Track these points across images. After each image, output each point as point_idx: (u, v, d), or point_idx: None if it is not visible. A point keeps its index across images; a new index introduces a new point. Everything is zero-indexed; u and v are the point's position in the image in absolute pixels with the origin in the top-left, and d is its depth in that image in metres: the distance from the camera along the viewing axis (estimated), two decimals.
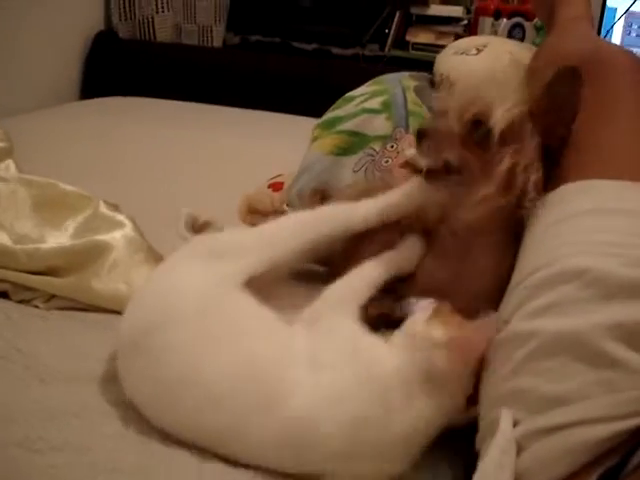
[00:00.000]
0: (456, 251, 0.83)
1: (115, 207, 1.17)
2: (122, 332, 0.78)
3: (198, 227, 1.16)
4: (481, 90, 0.84)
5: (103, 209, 1.10)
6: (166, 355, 0.72)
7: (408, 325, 0.71)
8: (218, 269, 0.77)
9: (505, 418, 0.62)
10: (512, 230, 0.80)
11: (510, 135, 0.78)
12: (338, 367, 0.69)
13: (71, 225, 1.08)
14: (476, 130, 0.79)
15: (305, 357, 0.70)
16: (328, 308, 0.75)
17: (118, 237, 1.05)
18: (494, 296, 0.76)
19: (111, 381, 0.81)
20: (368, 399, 0.67)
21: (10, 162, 1.40)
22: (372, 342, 0.72)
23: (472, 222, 0.79)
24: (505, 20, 2.38)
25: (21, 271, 0.99)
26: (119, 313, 0.96)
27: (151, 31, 2.46)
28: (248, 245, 0.81)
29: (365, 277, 0.79)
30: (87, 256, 1.01)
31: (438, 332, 0.68)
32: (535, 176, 0.77)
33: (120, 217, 1.10)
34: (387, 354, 0.69)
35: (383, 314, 0.82)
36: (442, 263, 0.84)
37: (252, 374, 0.69)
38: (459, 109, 0.81)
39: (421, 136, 0.81)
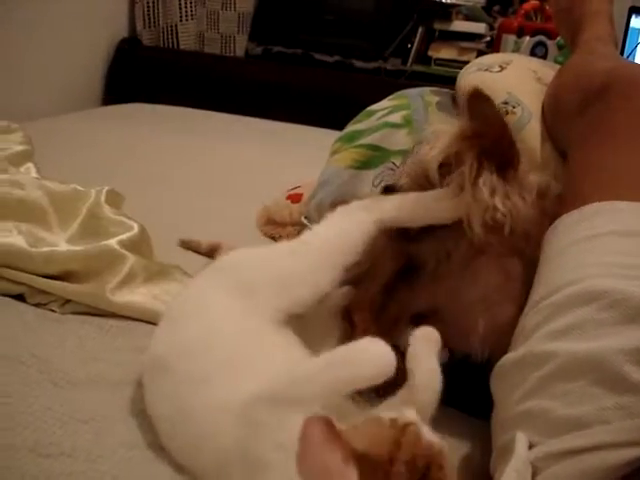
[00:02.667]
0: (452, 271, 0.83)
1: (120, 198, 1.19)
2: (152, 354, 0.77)
3: (208, 251, 1.16)
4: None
5: (108, 213, 1.11)
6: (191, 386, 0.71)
7: None
8: (253, 306, 0.75)
9: (520, 441, 0.61)
10: (513, 249, 0.81)
11: (450, 164, 0.81)
12: None
13: (76, 223, 1.09)
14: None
15: None
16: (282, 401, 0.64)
17: (130, 243, 1.05)
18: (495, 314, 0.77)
19: (125, 387, 0.82)
20: None
21: (31, 165, 1.42)
22: None
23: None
24: (528, 38, 2.38)
25: (37, 274, 1.00)
26: (134, 319, 0.97)
27: (174, 39, 2.48)
28: (284, 281, 0.77)
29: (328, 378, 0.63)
30: (102, 262, 1.01)
31: None
32: (487, 188, 0.79)
33: (126, 219, 1.11)
34: None
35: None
36: (440, 283, 0.83)
37: None
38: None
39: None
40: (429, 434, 0.56)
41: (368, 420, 0.57)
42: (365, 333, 0.78)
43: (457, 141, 0.81)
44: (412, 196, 0.83)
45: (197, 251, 1.20)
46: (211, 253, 1.17)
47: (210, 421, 0.66)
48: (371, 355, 0.60)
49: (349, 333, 0.83)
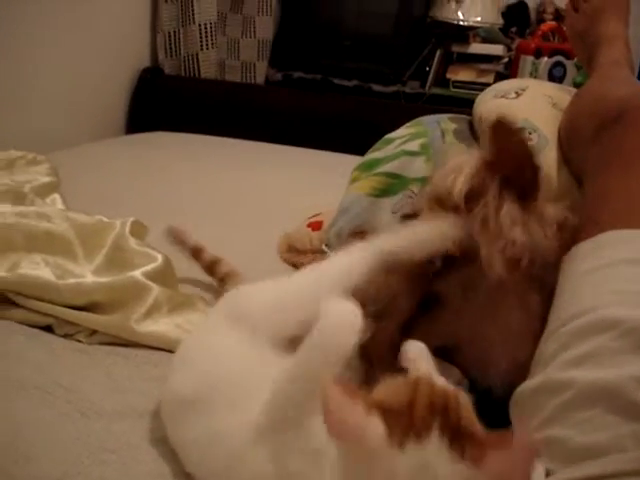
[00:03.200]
0: (474, 307, 0.83)
1: (144, 229, 1.21)
2: (171, 387, 0.79)
3: (220, 277, 1.17)
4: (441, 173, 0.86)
5: (133, 244, 1.13)
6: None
7: None
8: (257, 333, 0.76)
9: (536, 470, 0.62)
10: (533, 283, 0.80)
11: (474, 195, 0.81)
12: None
13: (101, 255, 1.11)
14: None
15: None
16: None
17: (155, 274, 1.07)
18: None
19: (151, 417, 0.83)
20: None
21: (57, 196, 1.45)
22: None
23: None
24: (546, 58, 2.39)
25: (64, 306, 1.02)
26: (159, 349, 0.99)
27: (196, 67, 2.51)
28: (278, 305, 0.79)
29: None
30: (127, 293, 1.03)
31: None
32: (508, 219, 0.79)
33: (151, 250, 1.13)
34: None
35: None
36: (461, 319, 0.84)
37: None
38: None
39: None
40: (442, 382, 0.58)
41: (381, 383, 0.59)
42: (384, 372, 0.79)
43: (480, 170, 0.82)
44: (409, 229, 0.84)
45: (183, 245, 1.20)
46: (210, 269, 1.18)
47: (240, 444, 0.67)
48: (336, 322, 0.62)
49: (369, 371, 0.84)
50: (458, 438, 0.53)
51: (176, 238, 1.19)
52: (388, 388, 0.57)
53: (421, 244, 0.82)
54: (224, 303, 0.85)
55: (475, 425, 0.55)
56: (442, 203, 0.83)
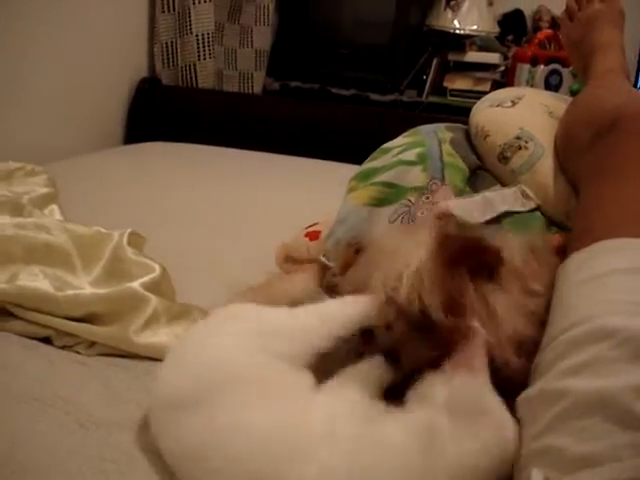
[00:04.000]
0: None
1: (141, 240, 1.21)
2: (161, 394, 0.79)
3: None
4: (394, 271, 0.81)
5: (131, 255, 1.13)
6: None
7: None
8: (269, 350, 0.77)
9: (536, 478, 0.62)
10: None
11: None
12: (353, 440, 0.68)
13: (99, 266, 1.11)
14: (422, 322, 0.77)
15: (321, 430, 0.69)
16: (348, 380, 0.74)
17: (152, 284, 1.07)
18: None
19: (148, 428, 0.82)
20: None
21: (55, 207, 1.45)
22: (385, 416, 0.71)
23: None
24: (542, 67, 2.40)
25: (63, 317, 1.02)
26: (158, 360, 0.99)
27: (193, 77, 2.52)
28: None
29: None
30: (125, 305, 1.04)
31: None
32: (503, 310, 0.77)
33: (149, 261, 1.13)
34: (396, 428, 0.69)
35: None
36: None
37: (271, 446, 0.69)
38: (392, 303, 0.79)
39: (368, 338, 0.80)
40: None
41: None
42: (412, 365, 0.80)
43: (440, 272, 0.78)
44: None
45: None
46: None
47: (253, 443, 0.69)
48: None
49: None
50: None
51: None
52: None
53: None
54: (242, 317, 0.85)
55: None
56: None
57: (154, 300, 1.03)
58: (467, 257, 0.78)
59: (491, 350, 0.73)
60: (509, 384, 0.75)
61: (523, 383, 0.74)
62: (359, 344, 0.81)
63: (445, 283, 0.76)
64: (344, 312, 0.81)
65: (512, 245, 0.84)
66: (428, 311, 0.76)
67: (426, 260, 0.78)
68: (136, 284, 1.05)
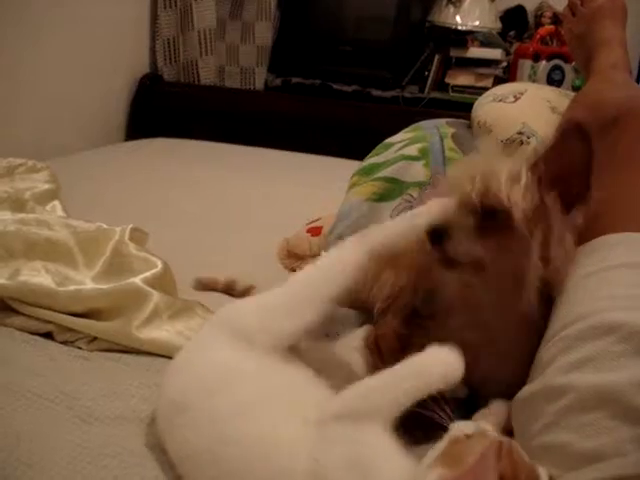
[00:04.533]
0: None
1: (144, 236, 1.21)
2: (165, 398, 0.80)
3: (225, 288, 1.18)
4: (485, 165, 0.81)
5: (133, 250, 1.13)
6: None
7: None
8: (252, 344, 0.78)
9: (541, 475, 0.62)
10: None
11: (531, 213, 0.76)
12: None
13: (101, 262, 1.11)
14: (494, 217, 0.77)
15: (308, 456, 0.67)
16: (357, 413, 0.68)
17: (154, 280, 1.07)
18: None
19: (152, 422, 0.83)
20: None
21: (57, 203, 1.45)
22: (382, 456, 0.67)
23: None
24: (544, 62, 2.39)
25: (64, 312, 1.02)
26: (160, 355, 0.99)
27: (195, 74, 2.51)
28: (268, 316, 0.80)
29: (401, 385, 0.67)
30: (127, 300, 1.04)
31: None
32: (566, 249, 0.76)
33: (151, 257, 1.13)
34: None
35: None
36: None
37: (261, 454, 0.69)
38: (467, 197, 0.78)
39: (437, 236, 0.78)
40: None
41: None
42: (393, 359, 0.79)
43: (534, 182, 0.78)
44: (400, 222, 0.84)
45: (214, 289, 1.20)
46: (228, 290, 1.19)
47: (260, 446, 0.69)
48: (440, 361, 0.66)
49: (377, 364, 0.84)
50: None
51: (206, 288, 1.20)
52: None
53: (404, 233, 0.82)
54: (218, 318, 0.86)
55: None
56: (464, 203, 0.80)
57: (156, 295, 1.03)
58: (565, 178, 0.77)
59: None
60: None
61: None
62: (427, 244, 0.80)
63: (537, 192, 0.76)
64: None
65: None
66: (510, 210, 0.75)
67: (523, 166, 0.78)
68: (138, 279, 1.05)
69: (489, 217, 0.77)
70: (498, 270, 0.77)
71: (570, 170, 0.77)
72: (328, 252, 0.84)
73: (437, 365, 0.65)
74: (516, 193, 0.76)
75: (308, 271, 0.83)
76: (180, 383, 0.79)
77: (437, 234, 0.78)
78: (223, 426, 0.71)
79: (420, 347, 0.82)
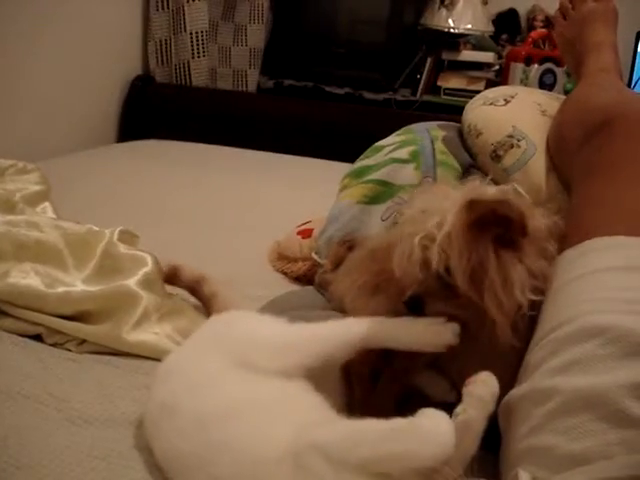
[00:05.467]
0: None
1: (134, 238, 1.20)
2: (154, 401, 0.80)
3: (189, 284, 1.15)
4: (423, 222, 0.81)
5: (122, 250, 1.13)
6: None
7: None
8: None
9: (523, 478, 0.62)
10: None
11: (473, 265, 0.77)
12: None
13: (91, 264, 1.11)
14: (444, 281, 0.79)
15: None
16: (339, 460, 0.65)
17: (145, 281, 1.07)
18: None
19: (140, 424, 0.83)
20: None
21: (47, 205, 1.44)
22: None
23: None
24: (536, 66, 2.40)
25: (53, 314, 1.02)
26: (149, 358, 0.99)
27: (187, 75, 2.51)
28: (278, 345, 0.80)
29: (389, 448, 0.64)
30: (116, 303, 1.03)
31: None
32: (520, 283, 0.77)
33: (140, 253, 1.13)
34: None
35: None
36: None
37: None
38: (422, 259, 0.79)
39: (415, 305, 0.80)
40: None
41: None
42: (364, 393, 0.82)
43: (466, 237, 0.78)
44: (402, 322, 0.82)
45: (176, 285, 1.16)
46: (192, 287, 1.15)
47: (249, 451, 0.68)
48: (434, 436, 0.61)
49: (350, 393, 0.85)
50: None
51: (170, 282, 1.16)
52: None
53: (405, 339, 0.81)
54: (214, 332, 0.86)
55: None
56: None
57: (145, 298, 1.03)
58: (493, 223, 0.77)
59: None
60: None
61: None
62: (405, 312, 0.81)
63: (470, 249, 0.77)
64: (342, 334, 0.80)
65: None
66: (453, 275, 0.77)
67: (454, 223, 0.78)
68: (128, 282, 1.05)
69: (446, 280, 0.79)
70: (476, 321, 0.78)
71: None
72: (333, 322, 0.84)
73: (430, 444, 0.61)
74: (453, 258, 0.77)
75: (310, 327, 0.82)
76: (170, 387, 0.79)
77: (414, 303, 0.80)
78: (211, 430, 0.71)
79: (404, 369, 0.83)
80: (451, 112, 1.94)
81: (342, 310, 0.97)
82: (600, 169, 0.87)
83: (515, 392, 0.71)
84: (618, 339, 0.64)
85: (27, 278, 1.04)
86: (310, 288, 1.20)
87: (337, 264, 1.07)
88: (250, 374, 0.76)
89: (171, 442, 0.74)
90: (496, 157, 1.16)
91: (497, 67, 2.55)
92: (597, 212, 0.81)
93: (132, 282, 1.05)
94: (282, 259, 1.33)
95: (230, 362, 0.78)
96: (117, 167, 1.96)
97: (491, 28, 2.60)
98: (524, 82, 2.38)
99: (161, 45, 2.48)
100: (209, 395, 0.75)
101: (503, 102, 1.23)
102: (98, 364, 0.98)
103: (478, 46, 2.57)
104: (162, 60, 2.50)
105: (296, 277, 1.29)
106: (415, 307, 0.80)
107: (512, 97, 1.24)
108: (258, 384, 0.76)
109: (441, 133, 1.24)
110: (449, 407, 0.68)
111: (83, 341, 1.01)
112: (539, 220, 0.82)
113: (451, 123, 1.31)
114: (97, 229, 1.18)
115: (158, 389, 0.80)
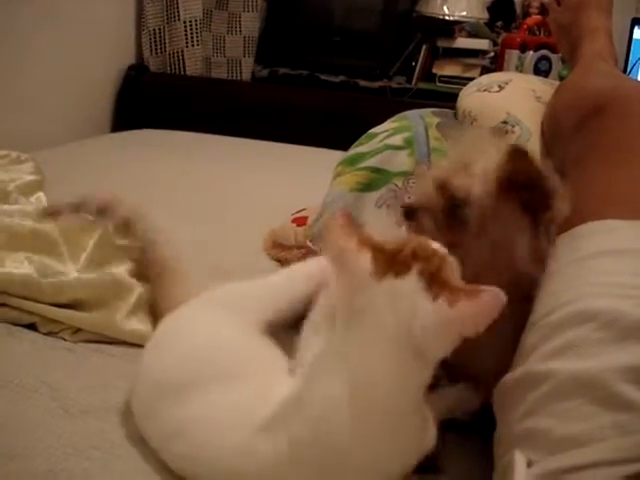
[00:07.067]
0: None
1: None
2: (148, 377, 0.80)
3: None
4: (466, 156, 0.82)
5: (117, 240, 1.12)
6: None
7: None
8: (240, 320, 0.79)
9: (519, 460, 0.62)
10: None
11: (489, 213, 0.78)
12: None
13: (86, 253, 1.10)
14: (455, 210, 0.79)
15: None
16: None
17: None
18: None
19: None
20: None
21: (41, 195, 1.44)
22: None
23: None
24: (531, 52, 2.39)
25: (47, 303, 1.02)
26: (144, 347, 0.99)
27: (181, 64, 2.50)
28: (264, 295, 0.83)
29: None
30: (111, 291, 1.03)
31: None
32: (521, 252, 0.78)
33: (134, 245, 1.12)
34: None
35: None
36: None
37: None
38: (442, 182, 0.80)
39: (409, 213, 0.81)
40: (436, 245, 0.66)
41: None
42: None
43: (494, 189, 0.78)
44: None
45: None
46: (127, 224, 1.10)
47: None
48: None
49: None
50: (435, 282, 0.62)
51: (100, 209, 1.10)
52: (385, 239, 0.66)
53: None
54: (208, 297, 0.86)
55: (453, 278, 0.63)
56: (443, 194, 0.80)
57: (138, 286, 1.03)
58: (529, 185, 0.78)
59: None
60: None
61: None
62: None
63: (498, 195, 0.77)
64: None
65: None
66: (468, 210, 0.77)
67: (494, 163, 0.78)
68: (121, 270, 1.05)
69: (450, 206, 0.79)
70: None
71: (527, 188, 0.78)
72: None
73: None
74: (476, 188, 0.77)
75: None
76: (166, 362, 0.79)
77: (410, 213, 0.81)
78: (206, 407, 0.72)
79: None
80: (446, 99, 1.93)
81: None
82: (593, 154, 0.87)
83: (510, 376, 0.71)
84: (611, 323, 0.64)
85: (21, 267, 1.04)
86: None
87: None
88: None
89: (169, 419, 0.74)
90: None
91: (492, 54, 2.55)
92: (589, 197, 0.81)
93: (125, 271, 1.05)
94: (277, 247, 1.33)
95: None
96: (111, 157, 1.95)
97: (486, 15, 2.60)
98: (519, 69, 2.38)
99: (155, 34, 2.46)
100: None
101: (497, 88, 1.23)
102: (93, 353, 0.98)
103: (473, 33, 2.57)
104: (156, 49, 2.48)
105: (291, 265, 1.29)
106: (409, 216, 0.81)
107: (506, 83, 1.24)
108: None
109: (435, 119, 1.23)
110: None
111: (78, 330, 1.00)
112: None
113: (445, 110, 1.30)
114: (92, 218, 1.18)
115: (151, 365, 0.81)
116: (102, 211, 1.08)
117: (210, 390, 0.72)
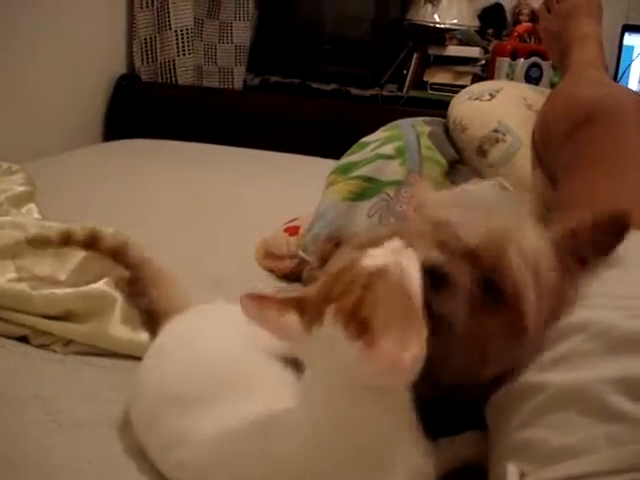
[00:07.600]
0: None
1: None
2: (146, 391, 0.79)
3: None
4: (491, 221, 0.71)
5: None
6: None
7: None
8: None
9: (511, 473, 0.62)
10: None
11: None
12: None
13: (76, 264, 1.10)
14: (487, 289, 0.68)
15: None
16: None
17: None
18: None
19: (128, 426, 0.82)
20: None
21: (32, 206, 1.44)
22: None
23: None
24: (522, 60, 2.40)
25: (39, 316, 1.01)
26: (137, 358, 0.98)
27: (172, 73, 2.50)
28: None
29: None
30: (102, 303, 1.03)
31: None
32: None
33: None
34: None
35: None
36: None
37: None
38: (471, 253, 0.68)
39: (440, 279, 0.66)
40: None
41: None
42: None
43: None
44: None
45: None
46: (115, 254, 1.05)
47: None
48: None
49: None
50: (353, 321, 0.58)
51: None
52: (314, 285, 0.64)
53: None
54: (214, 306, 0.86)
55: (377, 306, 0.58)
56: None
57: (120, 299, 1.02)
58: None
59: None
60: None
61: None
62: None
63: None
64: None
65: None
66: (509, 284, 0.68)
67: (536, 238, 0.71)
68: (109, 281, 1.04)
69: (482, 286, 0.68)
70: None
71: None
72: None
73: None
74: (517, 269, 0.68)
75: None
76: (170, 371, 0.77)
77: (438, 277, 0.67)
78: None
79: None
80: (438, 107, 1.94)
81: None
82: (581, 162, 0.87)
83: (506, 387, 0.71)
84: (601, 334, 0.65)
85: (11, 280, 1.03)
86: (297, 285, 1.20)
87: (324, 261, 1.07)
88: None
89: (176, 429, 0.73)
90: (482, 152, 1.16)
91: (483, 62, 2.55)
92: (582, 206, 0.81)
93: (106, 283, 1.04)
94: (269, 257, 1.33)
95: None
96: (103, 167, 1.95)
97: (477, 23, 2.60)
98: (510, 76, 2.39)
99: (146, 43, 2.46)
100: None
101: (488, 97, 1.23)
102: (85, 365, 0.97)
103: (464, 41, 2.57)
104: (147, 58, 2.48)
105: (283, 275, 1.29)
106: (436, 278, 0.66)
107: (497, 92, 1.24)
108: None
109: (427, 128, 1.24)
110: None
111: (69, 342, 1.00)
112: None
113: (436, 118, 1.31)
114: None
115: (151, 375, 0.80)
116: (89, 244, 1.06)
117: (216, 401, 0.71)
